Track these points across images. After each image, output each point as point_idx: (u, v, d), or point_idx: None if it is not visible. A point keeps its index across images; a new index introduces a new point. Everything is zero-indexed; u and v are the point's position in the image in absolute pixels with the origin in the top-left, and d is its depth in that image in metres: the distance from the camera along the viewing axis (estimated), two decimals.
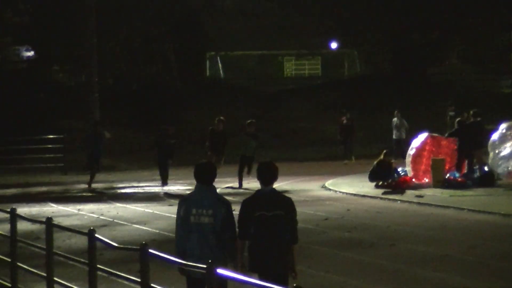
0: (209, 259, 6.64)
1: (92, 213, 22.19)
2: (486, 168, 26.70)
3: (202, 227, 8.93)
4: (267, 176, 9.37)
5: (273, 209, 9.07)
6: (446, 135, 27.68)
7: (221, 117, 28.27)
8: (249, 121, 28.72)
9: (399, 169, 27.73)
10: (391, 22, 50.04)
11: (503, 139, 26.69)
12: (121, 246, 11.36)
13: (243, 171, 25.98)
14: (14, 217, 12.91)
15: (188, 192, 15.06)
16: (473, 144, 25.62)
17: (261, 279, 7.97)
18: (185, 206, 9.06)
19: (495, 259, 14.69)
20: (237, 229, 9.03)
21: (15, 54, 44.97)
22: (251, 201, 9.40)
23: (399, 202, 24.38)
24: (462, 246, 16.62)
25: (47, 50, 46.40)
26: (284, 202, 9.43)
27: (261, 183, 9.32)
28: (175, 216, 8.73)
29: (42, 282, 11.77)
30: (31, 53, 46.91)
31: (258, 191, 9.48)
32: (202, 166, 9.50)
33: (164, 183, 26.29)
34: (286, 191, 22.08)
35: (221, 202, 9.27)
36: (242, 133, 28.95)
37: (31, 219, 15.26)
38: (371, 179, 27.24)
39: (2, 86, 43.14)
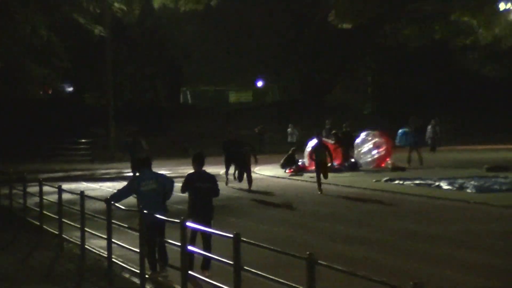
0: (155, 211, 11.71)
1: (109, 188, 28.46)
2: (352, 160, 36.09)
3: (149, 192, 12.94)
4: (201, 161, 12.87)
5: (206, 182, 12.72)
6: (333, 141, 35.81)
7: (231, 129, 29.79)
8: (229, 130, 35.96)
9: (299, 161, 36.32)
10: (300, 64, 72.05)
11: (363, 141, 36.97)
12: (126, 208, 14.82)
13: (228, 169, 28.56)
14: (60, 191, 17.41)
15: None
16: (346, 145, 35.95)
17: (194, 222, 11.42)
18: (136, 181, 13.68)
19: (352, 210, 22.57)
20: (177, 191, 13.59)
21: (60, 88, 61.36)
22: (192, 176, 12.87)
23: (299, 181, 32.27)
24: (339, 206, 23.94)
25: (81, 84, 64.29)
26: (211, 178, 13.06)
27: (197, 166, 12.84)
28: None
29: (77, 231, 16.13)
30: (70, 88, 65.93)
31: (195, 172, 12.97)
32: (144, 158, 14.68)
33: (249, 184, 26.39)
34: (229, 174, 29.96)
35: (161, 177, 13.85)
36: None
37: (71, 192, 20.06)
38: (283, 167, 35.79)
39: (54, 108, 58.74)
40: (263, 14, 66.45)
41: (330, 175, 28.02)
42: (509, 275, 12.56)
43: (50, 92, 61.74)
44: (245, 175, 27.14)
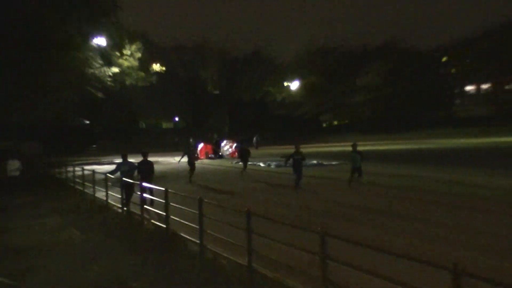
0: (129, 178, 19.22)
1: (107, 168, 35.57)
2: (220, 153, 53.93)
3: (125, 170, 19.50)
4: (145, 154, 19.95)
5: (147, 165, 19.60)
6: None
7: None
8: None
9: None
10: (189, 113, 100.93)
11: (225, 144, 55.38)
12: (114, 177, 20.31)
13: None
14: (83, 169, 25.76)
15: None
16: (216, 145, 53.54)
17: (142, 182, 17.07)
18: (122, 165, 19.77)
19: (217, 175, 33.70)
20: (135, 171, 19.86)
21: (79, 121, 69.96)
22: (140, 164, 19.56)
23: (203, 162, 44.48)
24: (216, 171, 36.57)
25: (93, 119, 75.85)
26: (151, 163, 19.81)
27: (143, 156, 20.00)
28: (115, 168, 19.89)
29: (91, 188, 23.18)
30: (87, 122, 75.40)
31: (142, 160, 19.82)
32: (123, 155, 20.25)
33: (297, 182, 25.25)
34: (156, 162, 31.79)
35: (130, 163, 19.99)
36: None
37: (88, 170, 26.36)
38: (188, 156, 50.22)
39: (73, 135, 68.97)
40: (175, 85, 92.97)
41: (209, 161, 45.14)
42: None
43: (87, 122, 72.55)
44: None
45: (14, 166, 24.89)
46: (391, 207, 17.94)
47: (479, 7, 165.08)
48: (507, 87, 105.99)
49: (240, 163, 36.14)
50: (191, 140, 53.90)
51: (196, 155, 36.69)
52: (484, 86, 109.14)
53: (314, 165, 38.32)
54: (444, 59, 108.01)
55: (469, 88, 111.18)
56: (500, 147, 50.27)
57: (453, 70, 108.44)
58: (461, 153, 44.69)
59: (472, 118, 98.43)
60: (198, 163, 44.52)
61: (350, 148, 24.32)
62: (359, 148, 24.96)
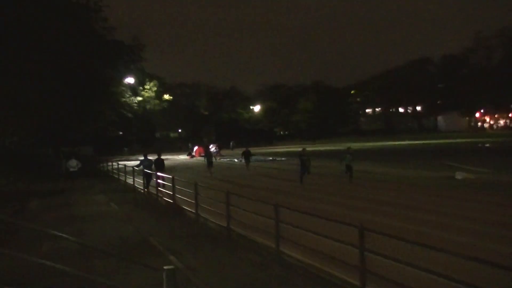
0: (149, 170, 18.96)
1: (133, 163, 33.28)
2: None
3: (146, 165, 19.08)
4: (160, 153, 19.69)
5: (160, 161, 19.26)
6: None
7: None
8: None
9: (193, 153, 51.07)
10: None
11: (212, 147, 49.89)
12: (138, 169, 20.25)
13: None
14: (118, 164, 26.86)
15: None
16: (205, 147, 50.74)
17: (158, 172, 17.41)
18: (144, 161, 19.48)
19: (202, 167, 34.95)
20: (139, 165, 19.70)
21: (116, 132, 62.49)
22: (156, 160, 19.24)
23: (192, 159, 47.06)
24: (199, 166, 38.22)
25: (125, 131, 69.95)
26: (163, 160, 19.54)
27: (158, 155, 19.65)
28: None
29: (124, 177, 23.26)
30: (121, 133, 69.40)
31: (157, 158, 19.51)
32: (144, 155, 19.97)
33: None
34: (166, 159, 30.60)
35: (149, 160, 19.52)
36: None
37: (121, 165, 32.79)
38: (188, 155, 50.49)
39: (113, 142, 66.90)
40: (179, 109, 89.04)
41: (202, 158, 43.74)
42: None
43: (121, 133, 70.18)
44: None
45: (73, 164, 24.74)
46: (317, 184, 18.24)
47: (374, 56, 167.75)
48: (391, 110, 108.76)
49: (236, 160, 36.65)
50: (210, 145, 53.17)
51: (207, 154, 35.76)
52: (378, 109, 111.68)
53: (271, 160, 38.38)
54: (352, 92, 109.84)
55: (368, 110, 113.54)
56: (386, 149, 50.93)
57: (358, 99, 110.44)
58: (364, 152, 44.88)
59: (370, 130, 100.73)
60: (193, 160, 44.86)
61: (294, 150, 23.81)
62: (308, 149, 23.82)
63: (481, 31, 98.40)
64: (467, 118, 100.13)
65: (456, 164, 25.52)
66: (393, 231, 7.45)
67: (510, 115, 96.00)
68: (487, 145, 48.58)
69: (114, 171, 28.83)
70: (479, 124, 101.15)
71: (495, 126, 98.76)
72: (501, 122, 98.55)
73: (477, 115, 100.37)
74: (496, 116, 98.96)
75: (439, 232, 9.50)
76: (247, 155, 29.50)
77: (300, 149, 23.17)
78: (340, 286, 6.30)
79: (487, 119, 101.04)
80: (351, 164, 19.90)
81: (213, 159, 29.60)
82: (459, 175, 20.05)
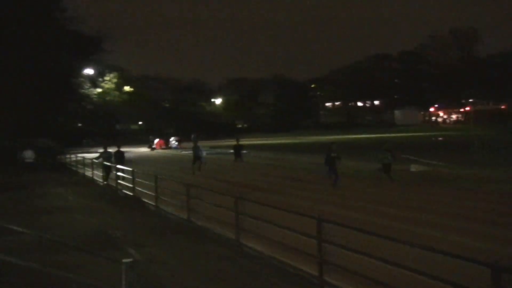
0: (108, 162, 18.79)
1: (92, 156, 32.37)
2: (169, 146, 52.35)
3: (105, 157, 19.01)
4: (119, 146, 19.68)
5: (120, 153, 19.15)
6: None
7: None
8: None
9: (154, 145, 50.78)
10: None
11: (172, 140, 52.71)
12: (97, 161, 20.12)
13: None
14: (76, 156, 28.38)
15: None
16: (166, 140, 52.10)
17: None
18: (103, 153, 19.35)
19: (166, 157, 35.83)
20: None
21: (76, 123, 62.22)
22: (116, 153, 19.13)
23: (158, 151, 46.26)
24: (166, 158, 37.93)
25: (85, 123, 67.34)
26: (123, 152, 19.42)
27: (118, 147, 19.64)
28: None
29: (83, 169, 23.39)
30: (80, 124, 67.18)
31: (117, 150, 19.40)
32: (104, 147, 19.72)
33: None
34: (127, 151, 29.37)
35: (109, 152, 19.40)
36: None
37: (80, 157, 29.46)
38: (149, 147, 49.90)
39: (73, 134, 59.43)
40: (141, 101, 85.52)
41: (163, 150, 44.42)
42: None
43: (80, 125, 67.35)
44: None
45: (28, 154, 24.03)
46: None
47: (335, 51, 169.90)
48: (350, 104, 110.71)
49: (183, 152, 35.98)
50: (171, 138, 52.92)
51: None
52: (337, 103, 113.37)
53: (232, 153, 38.00)
54: (313, 86, 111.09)
55: (328, 104, 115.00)
56: (346, 142, 51.36)
57: (318, 93, 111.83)
58: (324, 146, 45.45)
59: (330, 123, 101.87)
60: (154, 152, 44.76)
61: (254, 142, 23.36)
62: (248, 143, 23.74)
63: (436, 30, 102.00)
64: (422, 112, 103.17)
65: (411, 157, 26.19)
66: (348, 222, 7.57)
67: (461, 110, 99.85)
68: (440, 138, 50.18)
69: (73, 163, 28.23)
70: (433, 118, 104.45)
71: (447, 121, 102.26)
72: (454, 116, 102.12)
73: (432, 109, 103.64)
74: (448, 111, 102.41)
75: (398, 224, 9.64)
76: (238, 150, 25.53)
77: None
78: (301, 276, 6.39)
79: (441, 113, 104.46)
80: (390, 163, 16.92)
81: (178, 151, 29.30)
82: (413, 168, 20.67)
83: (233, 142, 28.32)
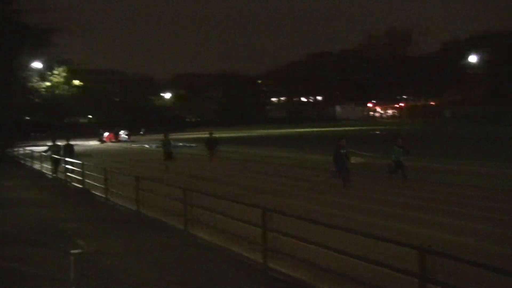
0: (57, 155, 18.59)
1: (42, 148, 29.75)
2: (119, 139, 50.15)
3: (53, 150, 18.71)
4: (69, 139, 18.89)
5: (69, 146, 18.64)
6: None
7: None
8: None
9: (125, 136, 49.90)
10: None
11: (122, 133, 51.44)
12: (46, 154, 19.56)
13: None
14: (26, 149, 28.17)
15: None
16: (116, 133, 50.40)
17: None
18: (52, 147, 18.94)
19: (119, 150, 36.58)
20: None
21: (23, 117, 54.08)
22: (65, 146, 18.51)
23: (108, 144, 45.10)
24: (117, 150, 37.49)
25: (33, 117, 63.47)
26: (72, 145, 18.94)
27: (67, 140, 18.82)
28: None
29: (31, 163, 21.59)
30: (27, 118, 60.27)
31: (66, 143, 18.66)
32: (53, 140, 19.12)
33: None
34: (76, 144, 26.73)
35: (58, 145, 18.89)
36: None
37: (29, 150, 29.71)
38: (99, 140, 47.99)
39: (20, 128, 52.28)
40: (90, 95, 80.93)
41: (112, 143, 43.13)
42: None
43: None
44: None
45: None
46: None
47: (281, 48, 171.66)
48: (294, 99, 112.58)
49: (147, 145, 35.69)
50: (121, 131, 51.61)
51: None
52: (282, 99, 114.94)
53: (181, 146, 37.46)
54: (259, 81, 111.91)
55: (274, 99, 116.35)
56: (290, 136, 52.57)
57: (264, 89, 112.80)
58: (269, 138, 46.06)
59: (276, 118, 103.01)
60: (104, 145, 43.78)
61: (204, 136, 22.14)
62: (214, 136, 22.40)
63: (376, 29, 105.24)
64: (361, 108, 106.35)
65: (351, 149, 26.86)
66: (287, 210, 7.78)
67: (396, 105, 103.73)
68: (377, 132, 51.88)
69: (21, 156, 27.30)
70: (371, 113, 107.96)
71: (384, 115, 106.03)
72: (389, 111, 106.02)
73: (370, 105, 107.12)
74: (385, 106, 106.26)
75: (337, 211, 9.89)
76: (211, 144, 22.27)
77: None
78: (247, 264, 6.50)
79: (378, 109, 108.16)
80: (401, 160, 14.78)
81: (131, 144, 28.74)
82: (353, 160, 21.29)
83: (188, 135, 27.71)
